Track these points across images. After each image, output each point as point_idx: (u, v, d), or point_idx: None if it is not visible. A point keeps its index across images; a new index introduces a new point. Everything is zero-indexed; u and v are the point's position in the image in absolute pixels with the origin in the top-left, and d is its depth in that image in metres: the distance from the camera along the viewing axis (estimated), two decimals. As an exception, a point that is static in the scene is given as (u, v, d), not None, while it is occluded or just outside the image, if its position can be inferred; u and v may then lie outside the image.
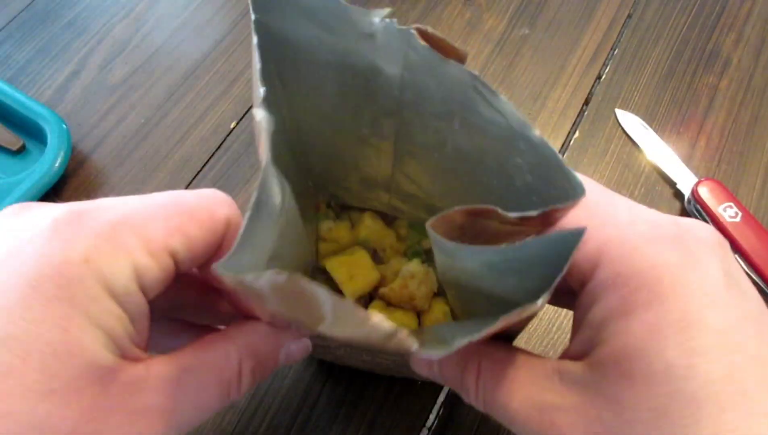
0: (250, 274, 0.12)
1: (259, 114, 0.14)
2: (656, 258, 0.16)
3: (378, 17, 0.16)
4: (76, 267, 0.16)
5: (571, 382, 0.17)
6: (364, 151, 0.22)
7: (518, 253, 0.14)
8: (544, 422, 0.17)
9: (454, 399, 0.31)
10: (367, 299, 0.26)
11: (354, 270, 0.25)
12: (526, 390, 0.18)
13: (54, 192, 0.37)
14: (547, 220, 0.15)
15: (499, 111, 0.16)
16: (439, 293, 0.26)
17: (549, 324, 0.33)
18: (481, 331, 0.14)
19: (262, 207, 0.13)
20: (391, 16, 0.16)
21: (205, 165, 0.39)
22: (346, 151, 0.23)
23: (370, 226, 0.26)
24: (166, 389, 0.18)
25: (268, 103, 0.15)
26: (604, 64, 0.43)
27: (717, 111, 0.41)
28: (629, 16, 0.45)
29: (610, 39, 0.44)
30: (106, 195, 0.37)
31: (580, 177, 0.15)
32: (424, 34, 0.16)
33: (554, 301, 0.24)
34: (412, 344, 0.13)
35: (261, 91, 0.15)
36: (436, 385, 0.31)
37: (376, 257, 0.27)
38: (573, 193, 0.15)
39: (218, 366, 0.19)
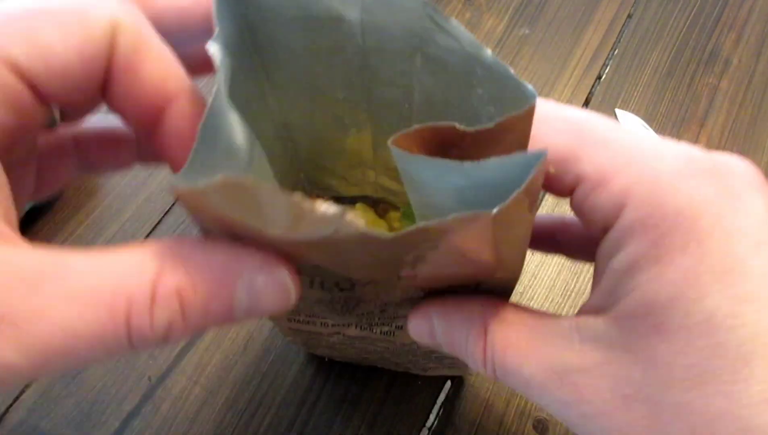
0: (202, 181, 0.11)
1: (213, 47, 0.14)
2: (692, 196, 0.14)
3: None
4: None
5: (592, 339, 0.15)
6: (344, 125, 0.22)
7: (481, 171, 0.13)
8: (564, 386, 0.15)
9: (454, 399, 0.31)
10: None
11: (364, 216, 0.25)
12: (541, 352, 0.15)
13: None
14: (506, 132, 0.14)
15: (452, 35, 0.16)
16: None
17: (549, 324, 0.33)
18: (429, 223, 0.12)
19: (216, 133, 0.13)
20: None
21: (205, 165, 0.39)
22: (328, 131, 0.23)
23: (361, 217, 0.26)
24: (14, 287, 0.11)
25: (226, 45, 0.15)
26: (604, 64, 0.43)
27: (717, 111, 0.41)
28: (629, 16, 0.45)
29: (610, 39, 0.44)
30: (106, 195, 0.37)
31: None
32: None
33: (536, 245, 0.23)
34: (359, 225, 0.12)
35: (217, 29, 0.15)
36: (436, 385, 0.31)
37: None
38: (525, 101, 0.14)
39: (118, 269, 0.12)
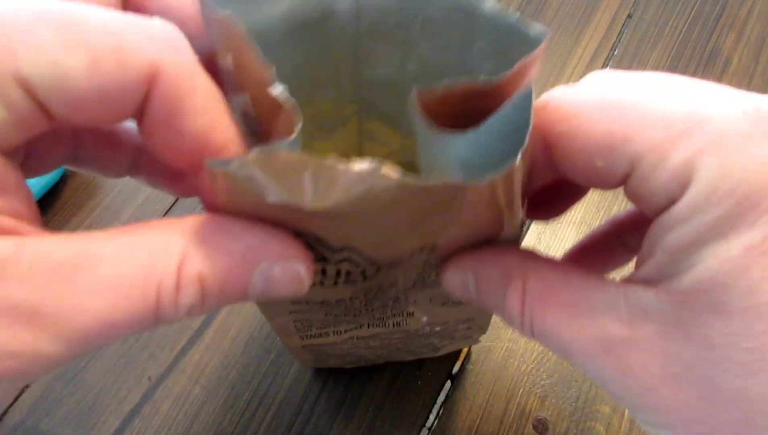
0: (236, 162, 0.11)
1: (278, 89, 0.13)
2: (765, 163, 0.12)
3: None
4: None
5: (641, 311, 0.14)
6: (330, 128, 0.22)
7: (483, 136, 0.13)
8: (609, 357, 0.14)
9: (454, 399, 0.31)
10: None
11: None
12: (585, 318, 0.14)
13: (54, 192, 0.37)
14: (521, 79, 0.14)
15: None
16: None
17: (549, 324, 0.33)
18: (438, 178, 0.12)
19: None
20: None
21: (205, 165, 0.39)
22: (312, 140, 0.22)
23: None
24: (48, 279, 0.12)
25: None
26: (604, 64, 0.43)
27: (717, 111, 0.41)
28: (629, 16, 0.45)
29: (610, 39, 0.44)
30: (106, 195, 0.37)
31: None
32: None
33: (535, 213, 0.21)
34: (395, 174, 0.12)
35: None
36: (436, 385, 0.31)
37: None
38: (531, 45, 0.13)
39: (145, 257, 0.13)
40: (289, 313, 0.21)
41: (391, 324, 0.23)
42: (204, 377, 0.31)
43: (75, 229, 0.36)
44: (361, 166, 0.11)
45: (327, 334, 0.23)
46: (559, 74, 0.42)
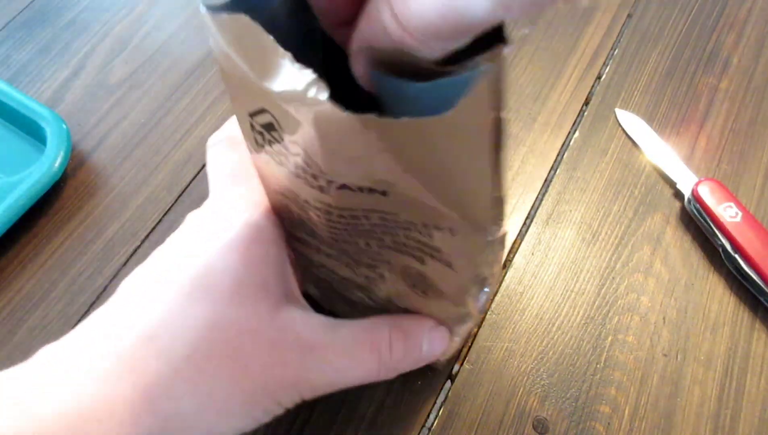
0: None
1: None
2: None
3: None
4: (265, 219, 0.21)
5: None
6: None
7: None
8: None
9: (454, 399, 0.31)
10: None
11: None
12: None
13: (54, 192, 0.37)
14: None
15: None
16: None
17: (549, 324, 0.33)
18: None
19: None
20: None
21: (205, 165, 0.39)
22: None
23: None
24: (327, 332, 0.20)
25: None
26: (604, 64, 0.43)
27: (717, 111, 0.41)
28: (629, 16, 0.45)
29: (610, 39, 0.44)
30: (106, 195, 0.37)
31: None
32: None
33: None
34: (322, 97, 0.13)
35: None
36: (436, 385, 0.31)
37: None
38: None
39: (370, 327, 0.21)
40: (280, 193, 0.21)
41: (361, 275, 0.23)
42: (204, 377, 0.31)
43: (75, 228, 0.36)
44: (300, 71, 0.13)
45: (308, 245, 0.23)
46: (559, 74, 0.42)
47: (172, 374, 0.18)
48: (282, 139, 0.17)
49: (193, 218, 0.23)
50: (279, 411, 0.21)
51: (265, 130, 0.17)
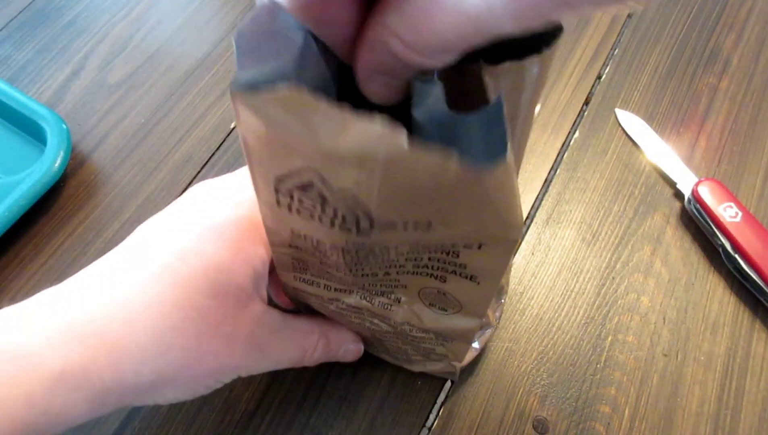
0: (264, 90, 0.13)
1: None
2: None
3: None
4: (246, 221, 0.23)
5: None
6: None
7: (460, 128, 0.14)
8: None
9: (454, 399, 0.31)
10: None
11: None
12: None
13: (54, 192, 0.37)
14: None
15: None
16: None
17: (549, 324, 0.33)
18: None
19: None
20: None
21: (205, 165, 0.39)
22: None
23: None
24: (273, 333, 0.24)
25: None
26: (604, 64, 0.43)
27: (717, 111, 0.41)
28: (629, 16, 0.45)
29: (610, 39, 0.44)
30: (106, 195, 0.37)
31: None
32: None
33: None
34: (402, 141, 0.13)
35: None
36: (436, 385, 0.31)
37: None
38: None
39: (306, 333, 0.26)
40: (288, 245, 0.21)
41: (377, 303, 0.23)
42: (204, 377, 0.31)
43: (75, 228, 0.36)
44: (371, 125, 0.12)
45: (318, 284, 0.23)
46: (560, 74, 0.42)
47: (134, 344, 0.21)
48: (321, 194, 0.16)
49: (203, 189, 0.27)
50: (218, 386, 0.24)
51: (298, 189, 0.17)
